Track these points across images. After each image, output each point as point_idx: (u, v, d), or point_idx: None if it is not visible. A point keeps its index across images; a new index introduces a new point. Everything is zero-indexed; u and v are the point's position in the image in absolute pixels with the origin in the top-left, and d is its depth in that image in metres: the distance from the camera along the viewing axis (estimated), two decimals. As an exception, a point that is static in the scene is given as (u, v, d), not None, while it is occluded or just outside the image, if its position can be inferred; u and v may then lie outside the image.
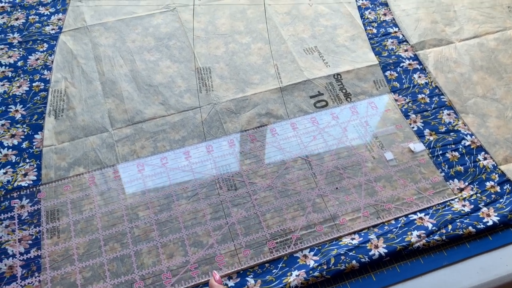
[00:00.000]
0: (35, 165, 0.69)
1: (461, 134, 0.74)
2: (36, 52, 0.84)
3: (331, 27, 0.90)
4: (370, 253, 0.60)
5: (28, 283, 0.59)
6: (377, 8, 0.94)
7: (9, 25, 0.88)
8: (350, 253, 0.60)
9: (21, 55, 0.83)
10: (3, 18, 0.89)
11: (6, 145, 0.71)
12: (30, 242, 0.62)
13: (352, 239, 0.63)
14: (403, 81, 0.82)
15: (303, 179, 0.69)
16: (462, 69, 0.83)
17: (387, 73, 0.83)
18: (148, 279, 0.59)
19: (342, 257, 0.60)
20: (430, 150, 0.73)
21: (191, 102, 0.78)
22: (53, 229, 0.63)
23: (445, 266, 0.61)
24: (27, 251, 0.61)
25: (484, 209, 0.66)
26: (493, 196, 0.67)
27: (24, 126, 0.74)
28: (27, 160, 0.70)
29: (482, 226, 0.63)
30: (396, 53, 0.86)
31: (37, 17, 0.90)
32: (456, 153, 0.72)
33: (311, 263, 0.60)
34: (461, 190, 0.68)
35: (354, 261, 0.60)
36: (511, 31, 0.90)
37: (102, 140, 0.73)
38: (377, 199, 0.67)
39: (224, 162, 0.71)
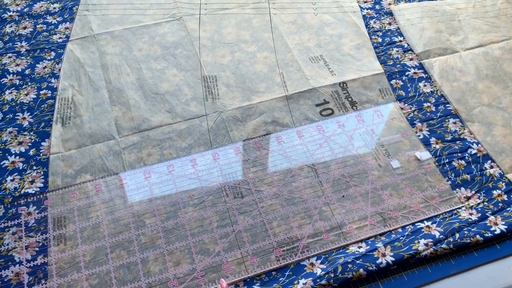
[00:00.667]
0: (42, 172, 0.69)
1: (467, 143, 0.74)
2: (44, 61, 0.84)
3: (337, 36, 0.91)
4: (378, 262, 0.60)
5: (35, 290, 0.59)
6: (382, 18, 0.95)
7: (17, 33, 0.89)
8: (357, 261, 0.60)
9: (29, 63, 0.84)
10: (11, 27, 0.90)
11: (13, 152, 0.72)
12: (37, 249, 0.62)
13: (359, 247, 0.63)
14: (409, 89, 0.82)
15: (309, 187, 0.69)
16: (467, 78, 0.84)
17: (393, 81, 0.83)
18: (155, 286, 0.59)
19: (349, 265, 0.60)
20: (437, 158, 0.73)
21: (197, 110, 0.78)
22: (59, 236, 0.63)
23: (453, 275, 0.60)
24: (34, 258, 0.61)
25: (492, 218, 0.65)
26: (500, 204, 0.67)
27: (32, 133, 0.74)
28: (34, 167, 0.70)
29: (489, 234, 0.63)
30: (401, 62, 0.86)
31: (44, 26, 0.91)
32: (463, 162, 0.72)
33: (318, 271, 0.60)
34: (468, 198, 0.68)
35: (361, 270, 0.59)
36: (516, 40, 0.90)
37: (109, 147, 0.73)
38: (384, 207, 0.67)
39: (230, 170, 0.71)
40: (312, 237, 0.64)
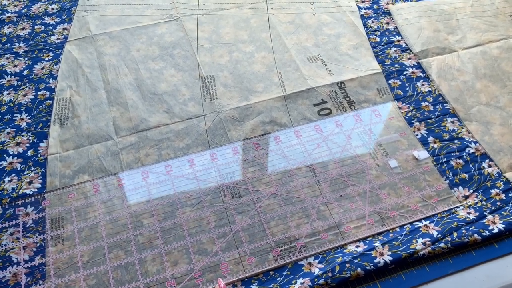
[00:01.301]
0: (40, 173, 0.69)
1: (465, 142, 0.74)
2: (42, 61, 0.84)
3: (334, 36, 0.91)
4: (375, 261, 0.60)
5: (32, 291, 0.59)
6: (380, 17, 0.95)
7: (15, 34, 0.89)
8: (355, 261, 0.60)
9: (27, 64, 0.84)
10: (9, 28, 0.90)
11: (11, 153, 0.72)
12: (34, 249, 0.62)
13: (357, 246, 0.63)
14: (407, 89, 0.82)
15: (307, 187, 0.69)
16: (465, 77, 0.84)
17: (391, 81, 0.83)
18: (153, 286, 0.59)
19: (347, 265, 0.60)
20: (434, 157, 0.72)
21: (195, 110, 0.78)
22: (57, 237, 0.63)
23: (451, 274, 0.60)
24: (32, 259, 0.61)
25: (490, 217, 0.65)
26: (498, 203, 0.67)
27: (29, 134, 0.74)
28: (32, 168, 0.70)
29: (487, 233, 0.63)
30: (399, 61, 0.86)
31: (42, 26, 0.91)
32: (461, 161, 0.72)
33: (316, 271, 0.60)
34: (466, 197, 0.68)
35: (359, 269, 0.59)
36: (514, 39, 0.90)
37: (106, 148, 0.73)
38: (382, 206, 0.67)
39: (228, 170, 0.71)
40: (310, 236, 0.64)
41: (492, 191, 0.69)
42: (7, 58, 0.85)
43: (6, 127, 0.75)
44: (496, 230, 0.63)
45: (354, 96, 0.81)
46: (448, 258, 0.62)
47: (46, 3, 0.96)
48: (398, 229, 0.65)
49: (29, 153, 0.72)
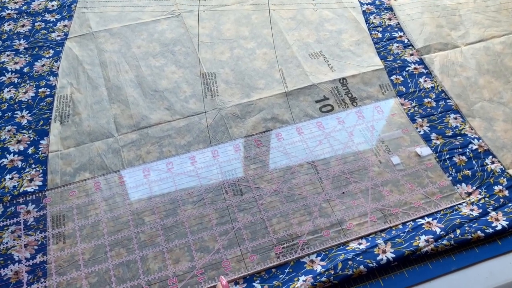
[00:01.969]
0: (41, 171, 0.69)
1: (468, 138, 0.74)
2: (42, 58, 0.84)
3: (336, 32, 0.90)
4: (378, 258, 0.60)
5: (34, 289, 0.58)
6: (382, 13, 0.94)
7: (15, 31, 0.89)
8: (358, 258, 0.60)
9: (27, 61, 0.84)
10: (9, 25, 0.90)
11: (12, 150, 0.71)
12: (36, 247, 0.62)
13: (360, 244, 0.62)
14: (409, 85, 0.81)
15: (309, 184, 0.69)
16: (468, 73, 0.83)
17: (393, 77, 0.83)
18: (154, 284, 0.59)
19: (350, 262, 0.59)
20: (437, 154, 0.72)
21: (197, 107, 0.78)
22: (58, 235, 0.63)
23: (454, 271, 0.60)
24: (33, 257, 0.61)
25: (493, 213, 0.65)
26: (501, 200, 0.67)
27: (30, 131, 0.74)
28: (33, 166, 0.70)
29: (491, 230, 0.63)
30: (402, 58, 0.86)
31: (43, 23, 0.90)
32: (464, 157, 0.72)
33: (318, 268, 0.60)
34: (469, 194, 0.68)
35: (361, 266, 0.59)
36: (517, 34, 0.90)
37: (107, 145, 0.73)
38: (384, 203, 0.67)
39: (230, 167, 0.70)
40: (312, 234, 0.64)
41: (495, 187, 0.68)
42: (7, 55, 0.84)
43: (6, 124, 0.74)
44: (499, 227, 0.63)
45: (356, 92, 0.80)
46: (451, 255, 0.62)
47: (46, 0, 0.95)
48: (400, 226, 0.64)
49: (30, 150, 0.72)
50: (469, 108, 0.78)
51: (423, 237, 0.62)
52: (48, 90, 0.79)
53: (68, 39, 0.88)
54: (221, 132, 0.75)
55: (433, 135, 0.74)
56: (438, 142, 0.74)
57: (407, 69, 0.84)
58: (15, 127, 0.74)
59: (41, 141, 0.73)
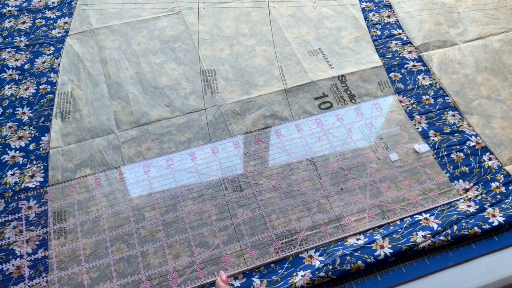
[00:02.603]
0: (42, 167, 0.70)
1: (465, 135, 0.74)
2: (43, 55, 0.85)
3: (335, 29, 0.91)
4: (376, 254, 0.61)
5: (36, 284, 0.59)
6: (381, 10, 0.95)
7: (16, 28, 0.89)
8: (356, 254, 0.61)
9: (28, 58, 0.84)
10: (10, 22, 0.90)
11: (13, 147, 0.72)
12: (37, 243, 0.63)
13: (358, 239, 0.63)
14: (408, 82, 0.82)
15: (308, 180, 0.69)
16: (466, 70, 0.84)
17: (392, 74, 0.83)
18: (155, 279, 0.60)
19: (348, 258, 0.60)
20: (435, 151, 0.73)
21: (196, 104, 0.78)
22: (60, 230, 0.64)
23: (451, 267, 0.61)
24: (35, 252, 0.62)
25: (490, 210, 0.66)
26: (498, 196, 0.67)
27: (31, 128, 0.74)
28: (34, 162, 0.70)
29: (487, 226, 0.63)
30: (400, 55, 0.86)
31: (43, 20, 0.91)
32: (461, 154, 0.72)
33: (317, 264, 0.60)
34: (466, 190, 0.68)
35: (359, 262, 0.60)
36: (515, 32, 0.90)
37: (108, 142, 0.73)
38: (382, 199, 0.67)
39: (229, 164, 0.71)
40: (311, 229, 0.64)
41: (492, 184, 0.69)
42: (8, 52, 0.85)
43: (8, 121, 0.75)
44: (496, 223, 0.64)
45: (355, 89, 0.81)
46: (448, 250, 0.62)
47: (47, -4, 0.96)
48: (398, 222, 0.65)
49: (31, 147, 0.72)
50: (467, 105, 0.78)
51: (421, 233, 0.63)
52: (49, 86, 0.80)
53: (68, 36, 0.88)
54: (221, 128, 0.75)
55: (431, 132, 0.75)
56: (436, 139, 0.74)
57: (405, 66, 0.85)
58: (16, 123, 0.75)
59: (42, 138, 0.73)
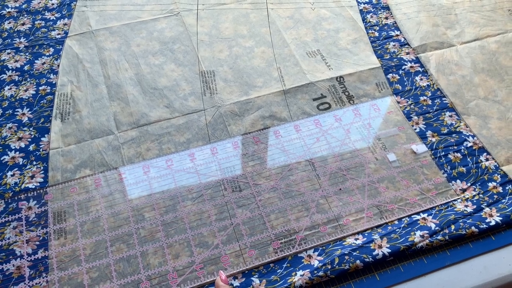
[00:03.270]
0: (42, 168, 0.70)
1: (463, 136, 0.75)
2: (42, 57, 0.85)
3: (334, 31, 0.91)
4: (374, 253, 0.61)
5: (36, 284, 0.59)
6: (379, 12, 0.95)
7: (15, 30, 0.89)
8: (354, 253, 0.61)
9: (28, 59, 0.84)
10: (9, 23, 0.90)
11: (13, 147, 0.72)
12: (37, 243, 0.63)
13: (356, 239, 0.64)
14: (405, 83, 0.83)
15: (306, 181, 0.70)
16: (463, 71, 0.84)
17: (389, 75, 0.84)
18: (154, 279, 0.60)
19: (346, 257, 0.61)
20: (433, 151, 0.73)
21: (196, 105, 0.79)
22: (60, 230, 0.64)
23: (448, 266, 0.61)
24: (35, 252, 0.62)
25: (487, 210, 0.66)
26: (495, 196, 0.68)
27: (31, 129, 0.75)
28: (34, 163, 0.71)
29: (485, 226, 0.64)
30: (398, 56, 0.87)
31: (43, 22, 0.91)
32: (458, 154, 0.73)
33: (316, 263, 0.61)
34: (464, 190, 0.69)
35: (358, 261, 0.60)
36: (512, 33, 0.91)
37: (108, 142, 0.73)
38: (380, 199, 0.68)
39: (229, 164, 0.71)
40: (310, 229, 0.65)
41: (489, 184, 0.70)
42: (8, 53, 0.85)
43: (8, 122, 0.75)
44: (493, 223, 0.64)
45: (353, 90, 0.81)
46: (446, 250, 0.63)
47: (46, -2, 0.96)
48: (396, 222, 0.65)
49: (31, 147, 0.72)
50: (464, 106, 0.79)
51: (419, 233, 0.63)
52: (49, 88, 0.80)
53: (68, 37, 0.88)
54: (220, 129, 0.76)
55: (429, 133, 0.75)
56: (433, 139, 0.75)
57: (403, 67, 0.85)
58: (16, 124, 0.75)
59: (42, 138, 0.74)
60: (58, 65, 0.83)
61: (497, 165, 0.72)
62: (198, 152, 0.73)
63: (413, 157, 0.72)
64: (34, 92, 0.79)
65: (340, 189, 0.69)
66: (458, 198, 0.68)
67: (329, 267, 0.60)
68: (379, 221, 0.65)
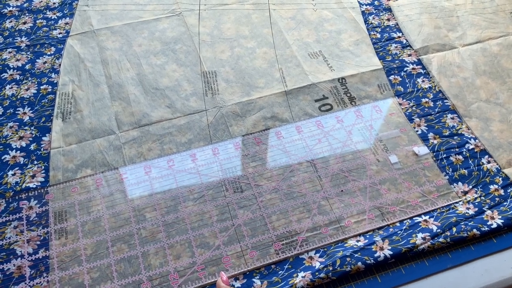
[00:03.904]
0: (43, 167, 0.70)
1: (464, 138, 0.75)
2: (44, 56, 0.85)
3: (336, 32, 0.91)
4: (376, 255, 0.61)
5: (37, 283, 0.59)
6: (381, 14, 0.95)
7: (17, 29, 0.89)
8: (356, 255, 0.61)
9: (29, 58, 0.84)
10: (11, 22, 0.90)
11: (14, 147, 0.72)
12: (38, 242, 0.63)
13: (358, 241, 0.63)
14: (407, 85, 0.83)
15: (308, 182, 0.70)
16: (465, 73, 0.84)
17: (391, 77, 0.84)
18: (155, 279, 0.60)
19: (348, 259, 0.60)
20: (434, 153, 0.73)
21: (197, 106, 0.78)
22: (61, 230, 0.64)
23: (450, 268, 0.61)
24: (36, 252, 0.62)
25: (488, 212, 0.66)
26: (497, 199, 0.68)
27: (32, 128, 0.74)
28: (35, 162, 0.70)
29: (486, 228, 0.64)
30: (400, 58, 0.87)
31: (44, 21, 0.91)
32: (460, 157, 0.73)
33: (317, 265, 0.61)
34: (465, 193, 0.69)
35: (359, 263, 0.60)
36: (514, 36, 0.91)
37: (109, 142, 0.73)
38: (382, 201, 0.68)
39: (230, 165, 0.71)
40: (311, 231, 0.65)
41: (491, 186, 0.69)
42: (9, 52, 0.85)
43: (9, 121, 0.75)
44: (494, 225, 0.64)
45: (355, 92, 0.81)
46: (448, 252, 0.63)
47: (48, -3, 0.96)
48: (398, 224, 0.65)
49: (32, 147, 0.72)
50: (466, 108, 0.79)
51: (420, 235, 0.63)
52: (50, 87, 0.80)
53: (69, 36, 0.88)
54: (222, 130, 0.76)
55: (431, 135, 0.75)
56: (435, 141, 0.75)
57: (405, 69, 0.85)
58: (17, 123, 0.75)
59: (43, 138, 0.73)
60: (60, 65, 0.83)
61: (499, 168, 0.72)
62: (199, 152, 0.73)
63: (415, 159, 0.72)
64: (35, 91, 0.79)
65: (342, 190, 0.69)
66: (460, 201, 0.68)
67: (331, 268, 0.60)
68: (380, 223, 0.65)
